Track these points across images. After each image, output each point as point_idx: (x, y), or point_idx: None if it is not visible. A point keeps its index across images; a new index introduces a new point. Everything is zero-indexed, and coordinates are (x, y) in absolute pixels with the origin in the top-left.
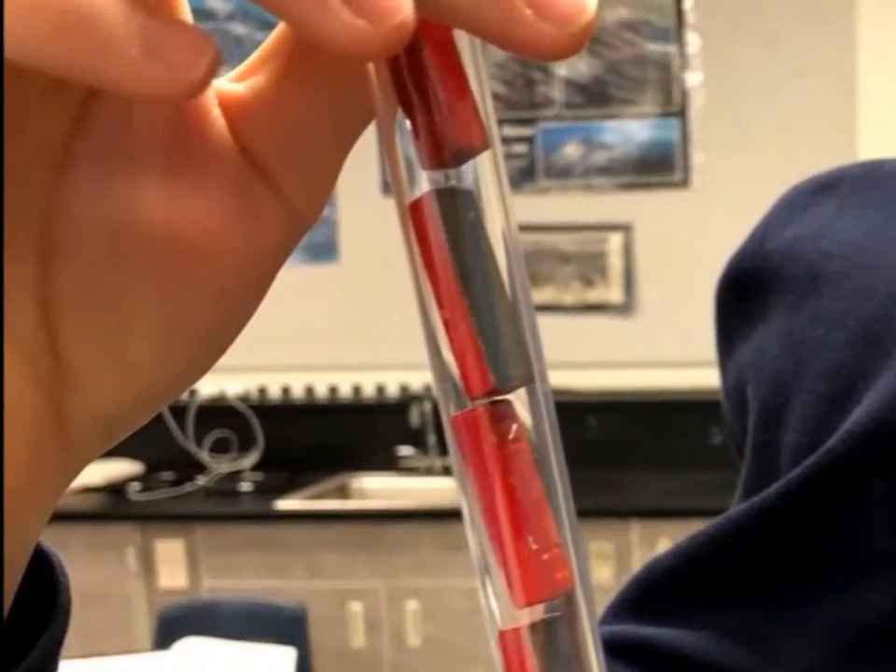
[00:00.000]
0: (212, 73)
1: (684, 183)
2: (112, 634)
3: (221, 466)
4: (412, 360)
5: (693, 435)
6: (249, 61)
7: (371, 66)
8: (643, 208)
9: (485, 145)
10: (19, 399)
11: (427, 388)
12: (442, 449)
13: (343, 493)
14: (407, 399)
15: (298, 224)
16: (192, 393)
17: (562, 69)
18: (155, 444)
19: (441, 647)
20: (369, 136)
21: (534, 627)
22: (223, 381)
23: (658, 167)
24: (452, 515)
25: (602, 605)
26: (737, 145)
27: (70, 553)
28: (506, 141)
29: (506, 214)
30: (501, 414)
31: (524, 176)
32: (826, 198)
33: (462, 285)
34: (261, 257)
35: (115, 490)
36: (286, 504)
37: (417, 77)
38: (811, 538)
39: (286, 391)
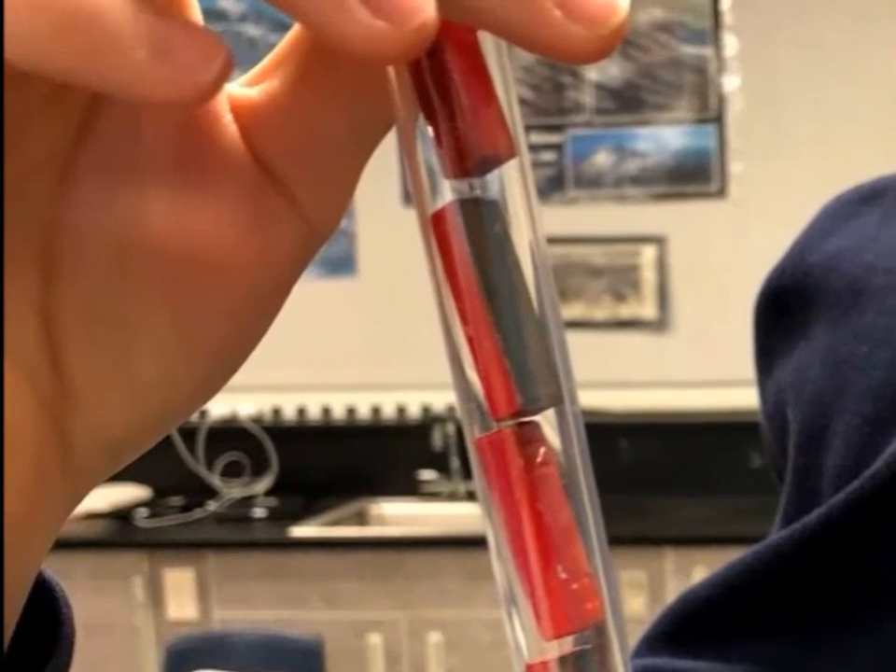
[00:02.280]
0: (223, 76)
1: (721, 193)
2: (118, 667)
3: (233, 491)
4: (434, 380)
5: (731, 458)
6: (263, 64)
7: (390, 70)
8: (678, 219)
9: (512, 152)
10: (20, 420)
11: (451, 409)
12: (466, 473)
13: (361, 519)
14: (429, 421)
15: (314, 236)
16: (203, 414)
17: (592, 73)
18: (163, 468)
19: None
20: (389, 144)
21: (563, 660)
22: (235, 401)
23: (694, 176)
24: (476, 543)
25: (634, 637)
26: (777, 152)
27: (74, 583)
28: (533, 148)
29: (533, 225)
30: (528, 437)
31: (552, 186)
32: (870, 208)
33: (487, 300)
34: (275, 270)
35: (121, 516)
36: (301, 531)
37: (440, 81)
38: (854, 566)
39: (301, 412)
